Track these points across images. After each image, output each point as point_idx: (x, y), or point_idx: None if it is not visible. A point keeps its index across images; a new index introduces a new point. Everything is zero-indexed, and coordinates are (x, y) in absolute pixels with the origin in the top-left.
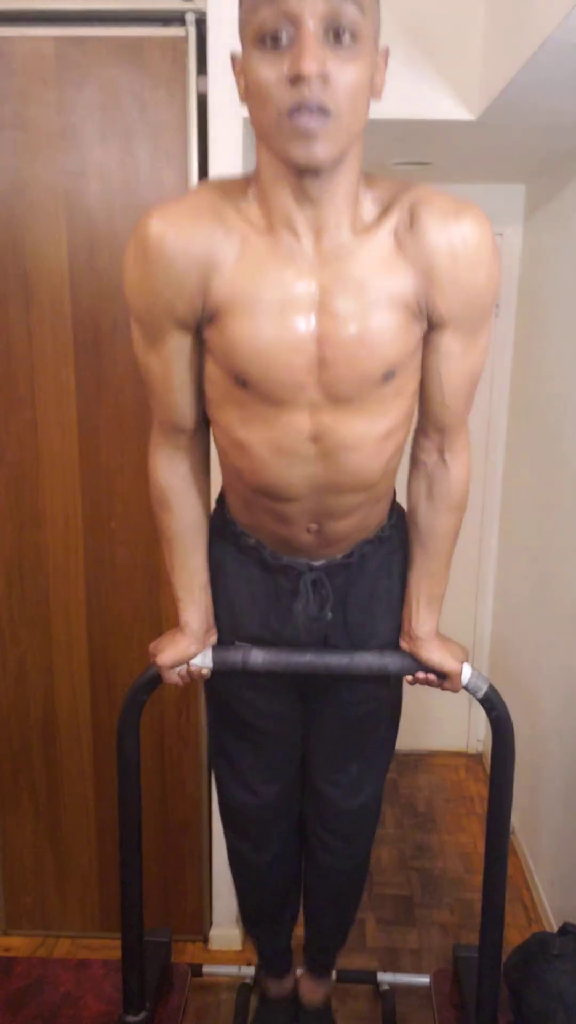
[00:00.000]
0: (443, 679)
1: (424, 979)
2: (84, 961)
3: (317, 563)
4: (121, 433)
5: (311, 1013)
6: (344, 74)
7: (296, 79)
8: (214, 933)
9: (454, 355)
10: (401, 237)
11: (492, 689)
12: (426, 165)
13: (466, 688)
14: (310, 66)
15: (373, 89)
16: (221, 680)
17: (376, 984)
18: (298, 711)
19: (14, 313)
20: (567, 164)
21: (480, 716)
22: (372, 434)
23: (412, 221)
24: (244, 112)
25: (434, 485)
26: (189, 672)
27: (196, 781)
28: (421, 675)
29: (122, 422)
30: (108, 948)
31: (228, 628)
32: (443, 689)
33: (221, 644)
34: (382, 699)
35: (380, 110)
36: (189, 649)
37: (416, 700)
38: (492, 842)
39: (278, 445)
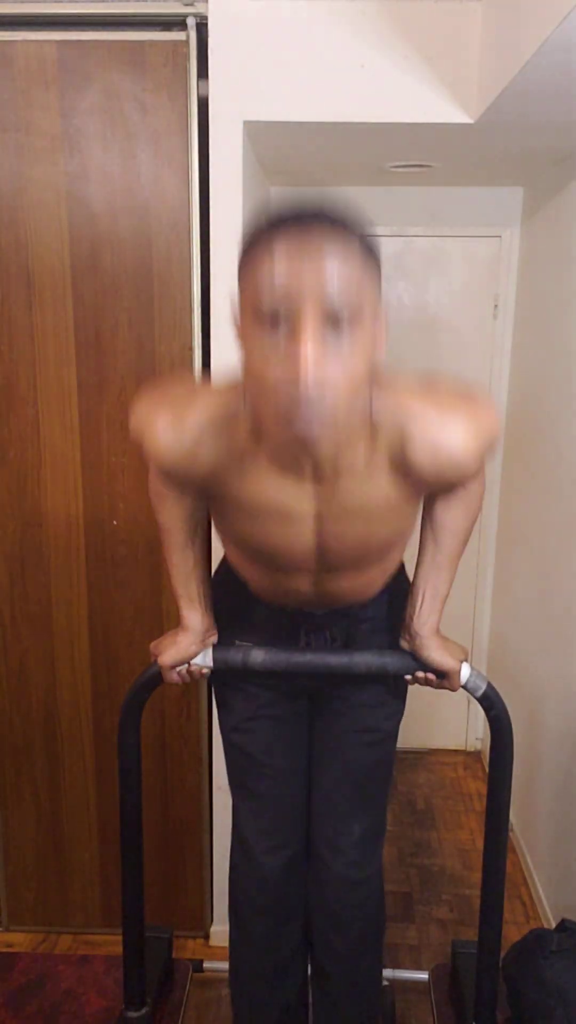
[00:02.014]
0: (442, 678)
1: (423, 975)
2: (86, 957)
3: (319, 612)
4: (122, 432)
5: None
6: (343, 367)
7: (294, 381)
8: (215, 929)
9: (453, 506)
10: (394, 457)
11: (491, 688)
12: (425, 168)
13: (465, 687)
14: (308, 370)
15: (374, 355)
16: (230, 711)
17: None
18: (301, 748)
19: (17, 313)
20: (565, 166)
21: (479, 714)
22: (372, 574)
23: (404, 448)
24: (244, 115)
25: (453, 491)
26: (189, 671)
27: (197, 778)
28: (420, 674)
29: (123, 421)
30: (110, 944)
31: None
32: (442, 688)
33: (221, 644)
34: (382, 731)
35: (379, 113)
36: (190, 649)
37: (415, 699)
38: (490, 839)
39: (278, 584)
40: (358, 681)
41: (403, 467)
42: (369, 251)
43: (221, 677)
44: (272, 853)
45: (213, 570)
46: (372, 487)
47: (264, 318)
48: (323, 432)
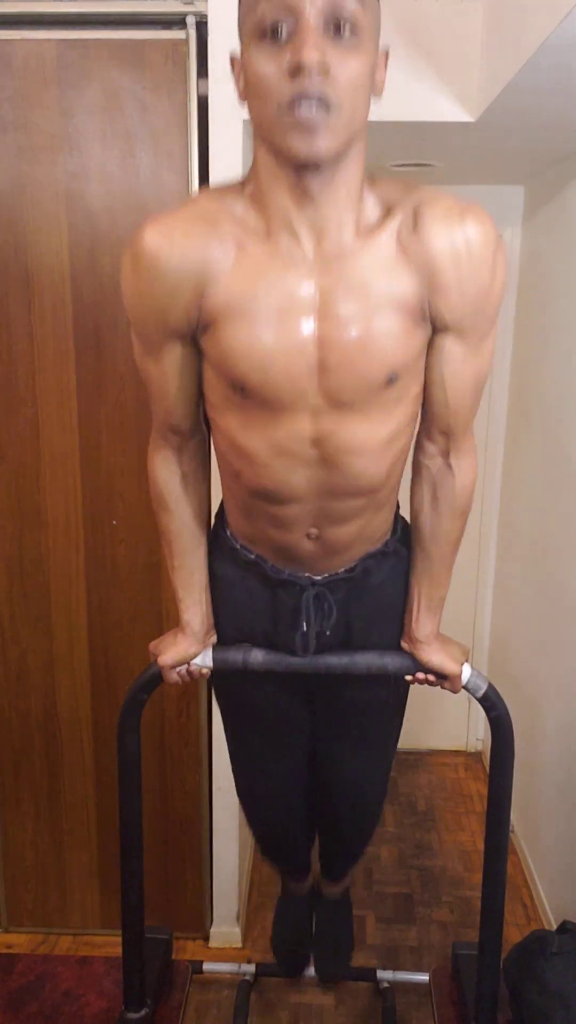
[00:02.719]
0: (443, 679)
1: (424, 977)
2: (85, 958)
3: (319, 577)
4: (122, 432)
5: (330, 903)
6: (344, 66)
7: (296, 70)
8: (215, 931)
9: (459, 360)
10: (404, 240)
11: (492, 688)
12: (426, 167)
13: (466, 688)
14: (310, 56)
15: (374, 86)
16: (227, 680)
17: (376, 981)
18: (305, 706)
19: (15, 313)
20: (566, 165)
21: (479, 715)
22: (375, 438)
23: (415, 223)
24: (244, 114)
25: (438, 490)
26: (189, 672)
27: (197, 779)
28: (421, 675)
29: (123, 421)
30: (109, 945)
31: (231, 635)
32: (443, 689)
33: (221, 644)
34: (389, 699)
35: (379, 112)
36: (190, 649)
37: (416, 699)
38: (491, 840)
39: (279, 449)
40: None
41: (413, 243)
42: None
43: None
44: (278, 761)
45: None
46: (376, 268)
47: (266, 33)
48: (326, 119)
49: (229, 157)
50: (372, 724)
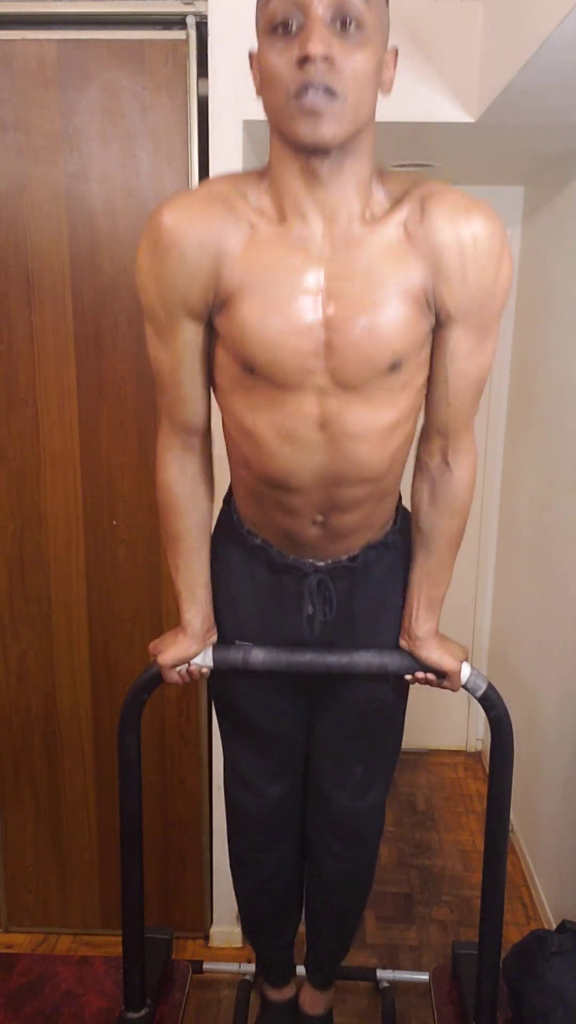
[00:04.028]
0: (442, 678)
1: (423, 976)
2: (85, 958)
3: (322, 563)
4: (122, 432)
5: (312, 1021)
6: (350, 59)
7: (303, 60)
8: (215, 930)
9: (461, 353)
10: (411, 230)
11: (491, 688)
12: (425, 167)
13: (465, 687)
14: (316, 48)
15: (381, 83)
16: (224, 678)
17: (376, 981)
18: (303, 709)
19: (16, 313)
20: (566, 166)
21: (479, 714)
22: (379, 424)
23: (422, 215)
24: (245, 114)
25: (437, 488)
26: (189, 671)
27: (197, 779)
28: (420, 674)
29: (123, 421)
30: (109, 945)
31: (231, 629)
32: (442, 688)
33: (221, 643)
34: (388, 700)
35: (379, 112)
36: (190, 649)
37: (416, 699)
38: (491, 840)
39: (285, 431)
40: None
41: (419, 235)
42: None
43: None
44: (272, 781)
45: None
46: (383, 257)
47: (277, 28)
48: (332, 105)
49: (229, 157)
50: (369, 739)
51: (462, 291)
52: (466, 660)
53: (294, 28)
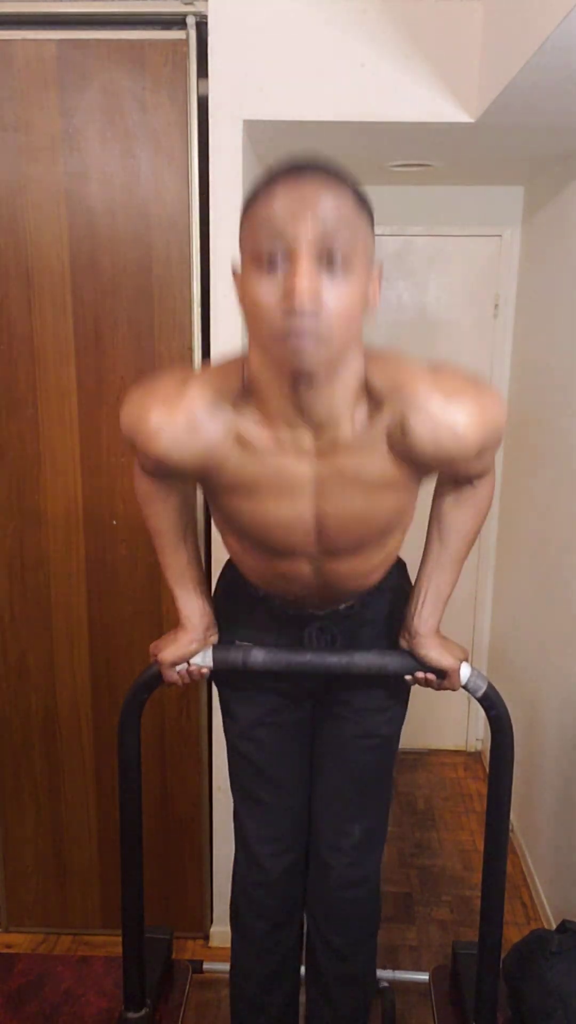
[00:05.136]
0: (442, 678)
1: (423, 976)
2: (85, 958)
3: (321, 613)
4: (122, 432)
5: None
6: (336, 298)
7: (290, 309)
8: (215, 930)
9: (465, 475)
10: (395, 439)
11: (491, 688)
12: (425, 167)
13: (465, 687)
14: (302, 299)
15: (366, 304)
16: (234, 719)
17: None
18: (304, 748)
19: (16, 313)
20: (565, 166)
21: (479, 715)
22: (369, 564)
23: (404, 432)
24: (244, 114)
25: (462, 493)
26: (189, 671)
27: (197, 779)
28: (420, 674)
29: None
30: (109, 945)
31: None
32: (442, 688)
33: (221, 643)
34: (384, 735)
35: (380, 113)
36: (190, 646)
37: (416, 699)
38: (491, 840)
39: (279, 573)
40: (360, 684)
41: (403, 444)
42: (362, 201)
43: (225, 681)
44: (276, 857)
45: (216, 580)
46: (371, 461)
47: (262, 261)
48: (318, 350)
49: (229, 157)
50: (366, 786)
51: (447, 471)
52: (466, 660)
53: (279, 262)
